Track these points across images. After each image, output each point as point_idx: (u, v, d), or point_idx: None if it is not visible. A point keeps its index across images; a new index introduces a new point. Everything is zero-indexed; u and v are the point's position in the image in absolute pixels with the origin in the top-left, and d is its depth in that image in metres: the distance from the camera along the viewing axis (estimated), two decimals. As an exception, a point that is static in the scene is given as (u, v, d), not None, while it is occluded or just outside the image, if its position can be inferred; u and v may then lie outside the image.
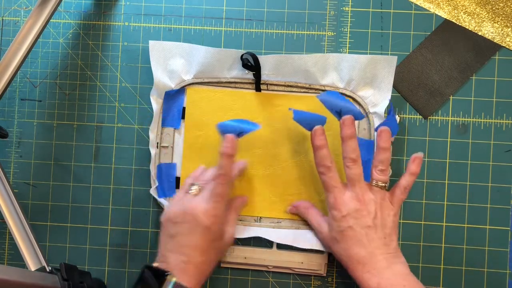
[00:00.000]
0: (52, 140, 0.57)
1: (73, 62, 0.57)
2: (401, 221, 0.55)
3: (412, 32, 0.55)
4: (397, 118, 0.54)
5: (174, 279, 0.45)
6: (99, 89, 0.57)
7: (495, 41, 0.55)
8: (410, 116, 0.55)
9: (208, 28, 0.57)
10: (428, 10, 0.55)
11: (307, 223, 0.54)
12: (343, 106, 0.49)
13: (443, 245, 0.54)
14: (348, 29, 0.56)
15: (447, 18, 0.55)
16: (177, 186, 0.55)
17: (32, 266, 0.48)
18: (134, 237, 0.56)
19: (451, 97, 0.55)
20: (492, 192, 0.54)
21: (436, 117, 0.55)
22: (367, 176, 0.50)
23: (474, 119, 0.55)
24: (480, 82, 0.55)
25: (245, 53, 0.53)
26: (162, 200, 0.55)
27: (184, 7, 0.57)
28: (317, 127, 0.49)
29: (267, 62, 0.53)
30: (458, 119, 0.55)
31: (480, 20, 0.55)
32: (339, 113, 0.49)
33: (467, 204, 0.54)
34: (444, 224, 0.54)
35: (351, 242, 0.47)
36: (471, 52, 0.55)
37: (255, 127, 0.49)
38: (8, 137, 0.55)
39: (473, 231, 0.54)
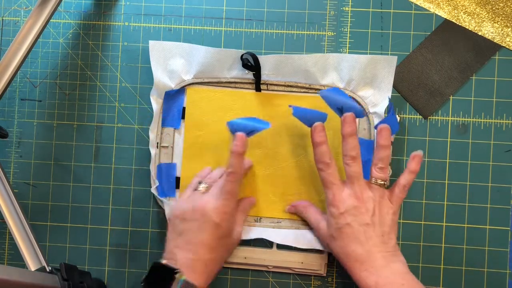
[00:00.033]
0: (52, 140, 0.57)
1: (73, 62, 0.57)
2: (401, 221, 0.55)
3: (412, 32, 0.55)
4: (397, 118, 0.54)
5: (183, 277, 0.45)
6: (99, 89, 0.57)
7: (495, 41, 0.55)
8: (410, 116, 0.55)
9: (208, 28, 0.57)
10: (428, 10, 0.55)
11: (307, 223, 0.54)
12: (345, 103, 0.49)
13: (443, 245, 0.54)
14: (348, 29, 0.56)
15: (447, 18, 0.55)
16: (177, 186, 0.55)
17: (32, 266, 0.48)
18: (134, 237, 0.56)
19: (451, 97, 0.55)
20: (492, 192, 0.54)
21: (436, 117, 0.55)
22: (367, 176, 0.50)
23: (474, 119, 0.55)
24: (480, 82, 0.55)
25: (245, 53, 0.53)
26: (164, 199, 0.54)
27: (184, 7, 0.57)
28: (317, 124, 0.49)
29: (267, 62, 0.54)
30: (458, 119, 0.55)
31: (480, 20, 0.55)
32: (340, 110, 0.49)
33: (467, 204, 0.54)
34: (444, 224, 0.54)
35: (348, 240, 0.47)
36: (471, 52, 0.55)
37: (265, 126, 0.49)
38: (8, 137, 0.55)
39: (473, 231, 0.54)
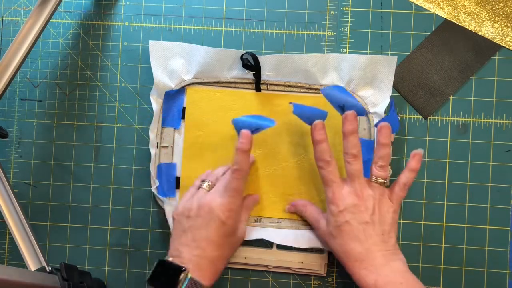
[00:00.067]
0: (52, 140, 0.57)
1: (73, 62, 0.57)
2: (401, 221, 0.55)
3: (412, 32, 0.55)
4: (398, 118, 0.54)
5: (189, 275, 0.45)
6: (99, 89, 0.57)
7: (495, 41, 0.55)
8: (410, 116, 0.55)
9: (208, 28, 0.57)
10: (428, 10, 0.55)
11: (307, 223, 0.54)
12: (347, 101, 0.49)
13: (443, 245, 0.54)
14: (348, 29, 0.56)
15: (447, 18, 0.55)
16: (177, 186, 0.55)
17: (32, 266, 0.48)
18: (134, 237, 0.56)
19: (451, 97, 0.55)
20: (492, 192, 0.54)
21: (436, 117, 0.55)
22: (366, 176, 0.50)
23: (474, 119, 0.55)
24: (480, 82, 0.55)
25: (245, 53, 0.53)
26: (164, 199, 0.54)
27: (184, 7, 0.57)
28: (317, 122, 0.49)
29: (267, 62, 0.54)
30: (458, 119, 0.55)
31: (480, 20, 0.55)
32: (342, 108, 0.49)
33: (467, 204, 0.54)
34: (444, 224, 0.54)
35: (348, 238, 0.47)
36: (471, 52, 0.55)
37: (270, 123, 0.49)
38: (8, 137, 0.55)
39: (473, 231, 0.54)
